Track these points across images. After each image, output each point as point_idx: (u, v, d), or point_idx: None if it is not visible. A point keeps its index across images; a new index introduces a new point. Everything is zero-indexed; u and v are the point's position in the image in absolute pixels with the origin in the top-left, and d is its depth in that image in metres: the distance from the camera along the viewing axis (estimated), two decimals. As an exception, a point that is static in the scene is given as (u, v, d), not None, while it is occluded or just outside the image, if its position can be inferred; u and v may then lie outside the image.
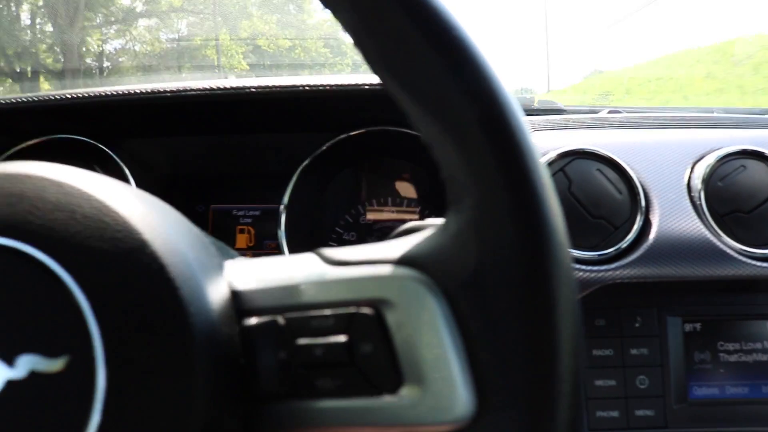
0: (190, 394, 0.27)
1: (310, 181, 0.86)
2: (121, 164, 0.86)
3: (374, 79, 0.76)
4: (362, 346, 0.29)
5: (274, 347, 0.30)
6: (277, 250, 0.86)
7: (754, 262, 0.67)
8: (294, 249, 0.85)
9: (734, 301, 0.70)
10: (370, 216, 0.91)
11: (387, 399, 0.29)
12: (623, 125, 0.84)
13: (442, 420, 0.28)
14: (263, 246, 0.92)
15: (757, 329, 0.70)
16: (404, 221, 0.88)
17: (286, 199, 0.85)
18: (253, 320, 0.31)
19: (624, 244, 0.68)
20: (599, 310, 0.69)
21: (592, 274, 0.66)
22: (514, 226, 0.27)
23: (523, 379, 0.27)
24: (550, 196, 0.28)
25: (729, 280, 0.67)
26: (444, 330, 0.28)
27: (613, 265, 0.67)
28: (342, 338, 0.30)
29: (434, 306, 0.29)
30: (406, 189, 0.91)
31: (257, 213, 0.92)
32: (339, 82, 0.76)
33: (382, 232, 0.90)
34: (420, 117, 0.30)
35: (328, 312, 0.30)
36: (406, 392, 0.29)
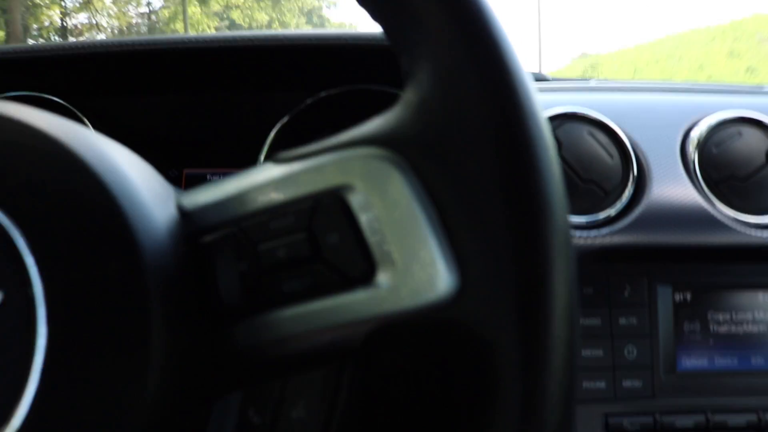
0: (144, 318, 0.25)
1: (288, 141, 0.82)
2: (88, 125, 0.82)
3: (352, 33, 0.72)
4: (327, 237, 0.27)
5: (235, 259, 0.28)
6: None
7: (748, 231, 0.65)
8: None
9: (726, 270, 0.69)
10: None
11: (361, 291, 0.26)
12: (614, 89, 0.81)
13: (424, 302, 0.26)
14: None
15: (748, 300, 0.68)
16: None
17: (262, 159, 0.81)
18: (207, 237, 0.28)
19: (615, 209, 0.65)
20: (587, 277, 0.67)
21: (581, 240, 0.64)
22: (479, 76, 0.25)
23: (507, 241, 0.24)
24: (509, 46, 0.25)
25: (722, 248, 0.65)
26: (414, 204, 0.26)
27: (603, 231, 0.64)
28: (304, 234, 0.27)
29: (401, 180, 0.26)
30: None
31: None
32: (319, 34, 0.72)
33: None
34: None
35: (287, 210, 0.28)
36: (381, 279, 0.26)
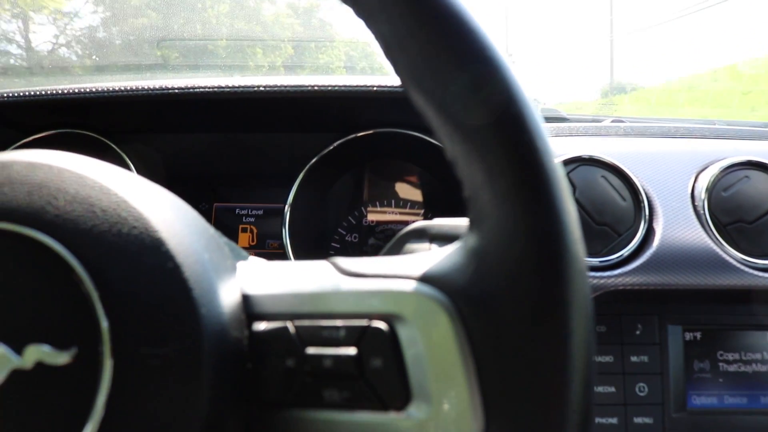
0: (194, 395, 0.27)
1: (315, 181, 0.86)
2: (127, 160, 0.86)
3: (380, 82, 0.76)
4: (372, 360, 0.29)
5: (283, 354, 0.30)
6: (279, 250, 0.86)
7: (756, 273, 0.68)
8: (297, 249, 0.85)
9: (735, 311, 0.70)
10: (372, 217, 0.91)
11: (393, 416, 0.29)
12: (627, 134, 0.84)
13: None
14: (265, 245, 0.92)
15: (757, 340, 0.70)
16: (407, 223, 0.88)
17: (290, 198, 0.85)
18: (263, 325, 0.31)
19: (627, 251, 0.68)
20: (600, 316, 0.69)
21: (595, 281, 0.67)
22: (535, 255, 0.27)
23: (531, 407, 0.27)
24: (574, 227, 0.28)
25: (731, 290, 0.68)
26: (455, 350, 0.28)
27: (615, 272, 0.67)
28: (352, 351, 0.29)
29: (447, 325, 0.28)
30: (409, 191, 0.91)
31: (260, 212, 0.93)
32: (347, 84, 0.76)
33: (385, 233, 0.90)
34: (447, 134, 0.29)
35: (339, 323, 0.30)
36: (414, 410, 0.29)
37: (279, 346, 0.30)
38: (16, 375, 0.26)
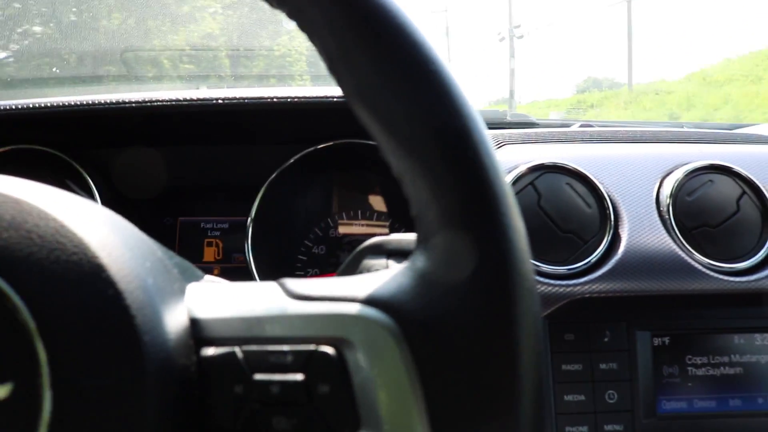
0: (138, 425, 0.26)
1: (279, 194, 0.85)
2: (86, 176, 0.84)
3: (339, 92, 0.75)
4: (320, 386, 0.29)
5: (231, 380, 0.29)
6: (245, 264, 0.85)
7: (721, 277, 0.68)
8: (261, 263, 0.83)
9: (703, 315, 0.71)
10: (342, 230, 0.90)
11: None
12: (593, 139, 0.85)
13: None
14: (231, 259, 0.90)
15: (725, 343, 0.70)
16: (374, 235, 0.87)
17: (253, 212, 0.84)
18: (210, 350, 0.30)
19: (593, 258, 0.68)
20: (568, 324, 0.69)
21: (561, 289, 0.66)
22: (481, 275, 0.27)
23: (482, 429, 0.27)
24: (521, 245, 0.27)
25: (698, 294, 0.68)
26: (403, 374, 0.28)
27: (582, 280, 0.67)
28: (299, 377, 0.29)
29: (395, 349, 0.28)
30: (376, 202, 0.90)
31: (225, 226, 0.91)
32: (307, 95, 0.75)
33: (352, 245, 0.89)
34: (391, 150, 0.29)
35: (286, 348, 0.29)
36: None
37: (227, 372, 0.29)
38: None
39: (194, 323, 0.31)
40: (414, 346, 0.28)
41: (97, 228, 0.29)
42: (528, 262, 0.28)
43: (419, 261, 0.29)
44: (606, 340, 0.69)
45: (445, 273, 0.28)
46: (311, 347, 0.29)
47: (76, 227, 0.28)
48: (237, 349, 0.29)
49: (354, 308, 0.29)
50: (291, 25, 0.32)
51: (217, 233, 0.91)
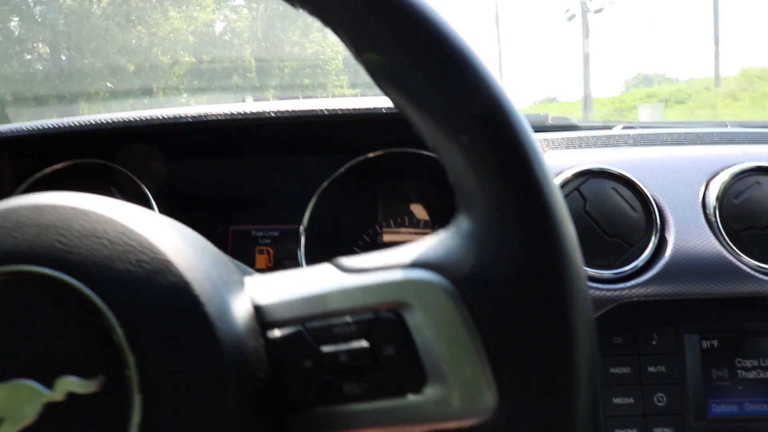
0: (221, 406, 0.28)
1: (329, 202, 0.87)
2: (143, 187, 0.88)
3: (389, 104, 0.77)
4: (385, 349, 0.31)
5: (300, 356, 0.31)
6: (296, 270, 0.87)
7: (769, 279, 0.68)
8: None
9: (751, 317, 0.70)
10: (387, 237, 0.92)
11: (412, 398, 0.30)
12: (637, 143, 0.85)
13: (466, 414, 0.29)
14: (282, 266, 0.93)
15: (775, 345, 0.70)
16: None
17: (305, 220, 0.87)
18: (276, 332, 0.32)
19: (640, 262, 0.68)
20: (616, 328, 0.70)
21: (609, 293, 0.67)
22: (522, 228, 0.28)
23: (540, 371, 0.28)
24: (556, 198, 0.29)
25: (746, 297, 0.68)
26: (463, 331, 0.30)
27: (629, 284, 0.67)
28: (365, 343, 0.31)
29: (451, 307, 0.30)
30: (422, 210, 0.92)
31: (276, 234, 0.94)
32: (357, 107, 0.77)
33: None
34: (425, 125, 0.31)
35: (349, 319, 0.31)
36: (430, 390, 0.30)
37: (295, 349, 0.32)
38: (49, 408, 0.28)
39: (258, 309, 0.33)
40: (469, 302, 0.30)
41: (160, 230, 0.31)
42: (565, 215, 0.29)
43: (463, 223, 0.31)
44: (654, 343, 0.70)
45: (490, 231, 0.29)
46: (372, 315, 0.31)
47: (141, 231, 0.31)
48: (301, 327, 0.32)
49: (408, 273, 0.31)
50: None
51: (268, 241, 0.94)
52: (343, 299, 0.32)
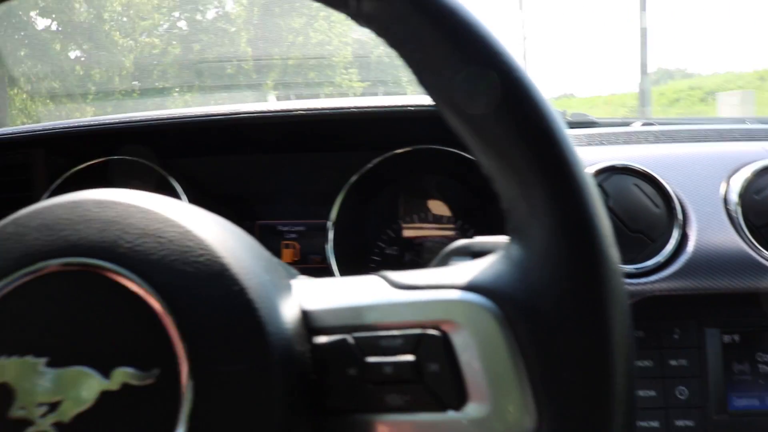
0: (269, 405, 0.30)
1: (356, 197, 0.89)
2: (174, 183, 0.91)
3: (416, 101, 0.79)
4: (430, 365, 0.32)
5: (345, 364, 0.32)
6: (322, 264, 0.89)
7: (792, 274, 0.68)
8: (340, 263, 0.88)
9: (773, 312, 0.71)
10: (412, 232, 0.94)
11: (452, 415, 0.31)
12: (658, 139, 0.86)
13: None
14: (308, 261, 0.95)
15: (796, 340, 0.70)
16: (442, 237, 0.90)
17: (333, 215, 0.88)
18: (323, 338, 0.33)
19: (662, 257, 0.69)
20: (638, 321, 0.70)
21: (631, 288, 0.68)
22: (574, 263, 0.29)
23: (580, 400, 0.29)
24: (606, 232, 0.30)
25: (766, 292, 0.68)
26: (506, 353, 0.31)
27: (651, 278, 0.68)
28: (410, 357, 0.32)
29: (497, 330, 0.31)
30: (443, 207, 0.94)
31: (302, 228, 0.96)
32: (384, 104, 0.79)
33: (423, 246, 0.93)
34: (481, 151, 0.32)
35: (396, 332, 0.32)
36: (471, 409, 0.31)
37: (340, 356, 0.33)
38: (105, 396, 0.29)
39: (305, 315, 0.34)
40: (515, 329, 0.31)
41: (215, 231, 0.33)
42: (612, 245, 0.30)
43: (514, 250, 0.32)
44: (675, 337, 0.70)
45: (539, 261, 0.30)
46: (419, 331, 0.32)
47: (198, 231, 0.32)
48: (348, 336, 0.33)
49: (457, 294, 0.32)
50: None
51: (294, 236, 0.95)
52: (392, 313, 0.33)
